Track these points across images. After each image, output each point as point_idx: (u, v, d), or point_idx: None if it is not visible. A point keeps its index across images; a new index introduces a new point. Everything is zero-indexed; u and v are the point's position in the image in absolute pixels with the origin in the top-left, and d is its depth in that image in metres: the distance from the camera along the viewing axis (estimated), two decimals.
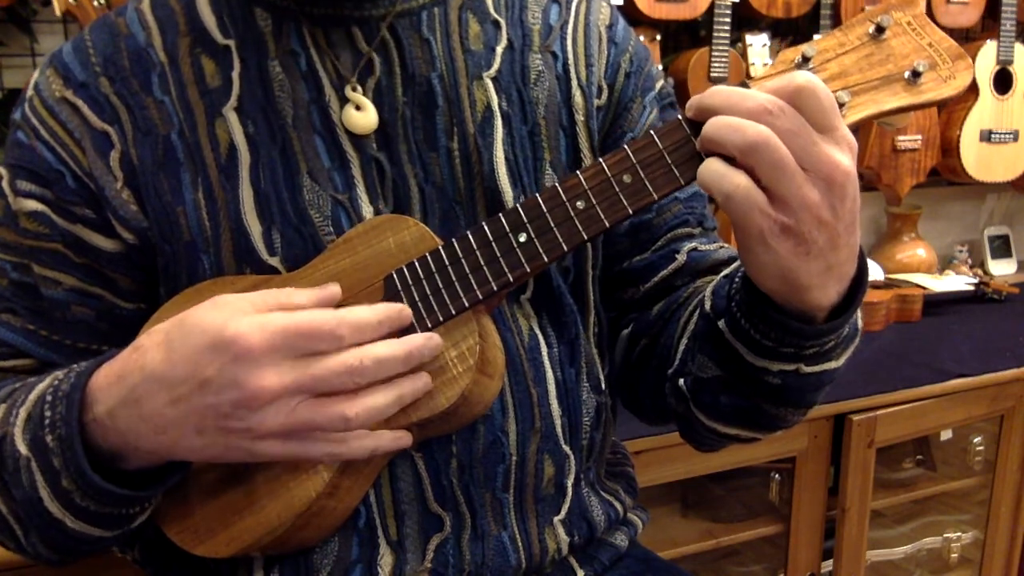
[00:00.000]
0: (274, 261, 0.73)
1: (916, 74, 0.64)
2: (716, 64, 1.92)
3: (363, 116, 0.75)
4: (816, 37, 0.68)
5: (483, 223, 0.67)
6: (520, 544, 0.78)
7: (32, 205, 0.75)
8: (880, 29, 0.65)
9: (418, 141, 0.76)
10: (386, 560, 0.74)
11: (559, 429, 0.79)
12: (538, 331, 0.79)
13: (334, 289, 0.67)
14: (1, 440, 0.68)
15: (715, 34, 1.90)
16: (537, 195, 0.65)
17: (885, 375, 1.72)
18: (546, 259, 0.66)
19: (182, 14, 0.77)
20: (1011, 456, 1.85)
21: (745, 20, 2.01)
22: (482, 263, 0.66)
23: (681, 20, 1.88)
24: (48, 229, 0.75)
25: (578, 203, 0.65)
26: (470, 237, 0.67)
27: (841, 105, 0.63)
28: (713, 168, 0.60)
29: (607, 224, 0.64)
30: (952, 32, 2.29)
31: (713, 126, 0.60)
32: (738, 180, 0.59)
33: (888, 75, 0.64)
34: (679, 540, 1.66)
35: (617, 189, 0.64)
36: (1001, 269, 2.49)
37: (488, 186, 0.77)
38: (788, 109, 0.59)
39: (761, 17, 1.99)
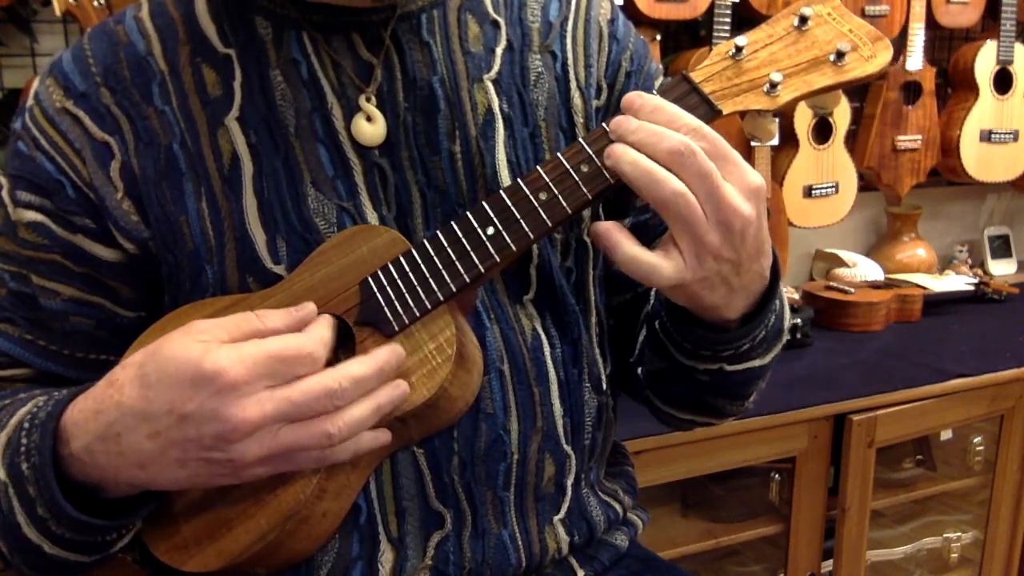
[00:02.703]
0: (279, 269, 0.73)
1: (840, 55, 0.69)
2: None
3: (373, 128, 0.75)
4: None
5: (451, 222, 0.69)
6: (520, 543, 0.78)
7: (31, 216, 0.75)
8: (803, 20, 0.71)
9: (420, 146, 0.76)
10: (387, 557, 0.74)
11: (560, 429, 0.79)
12: (541, 331, 0.79)
13: (308, 308, 0.67)
14: None
15: (715, 34, 1.90)
16: (501, 191, 0.69)
17: (885, 375, 1.72)
18: (515, 249, 0.68)
19: (182, 22, 0.76)
20: (1011, 456, 1.85)
21: (745, 20, 2.00)
22: (453, 258, 0.68)
23: (681, 20, 1.89)
24: (47, 240, 0.75)
25: (540, 195, 0.68)
26: (440, 236, 0.69)
27: (774, 85, 0.68)
28: (631, 254, 0.66)
29: (569, 211, 0.67)
30: (952, 32, 2.30)
31: (634, 173, 0.64)
32: (654, 259, 0.65)
33: (815, 58, 0.70)
34: (679, 540, 1.66)
35: (577, 179, 0.67)
36: (1001, 269, 2.50)
37: (491, 188, 0.76)
38: (698, 151, 0.62)
39: (761, 17, 1.98)
